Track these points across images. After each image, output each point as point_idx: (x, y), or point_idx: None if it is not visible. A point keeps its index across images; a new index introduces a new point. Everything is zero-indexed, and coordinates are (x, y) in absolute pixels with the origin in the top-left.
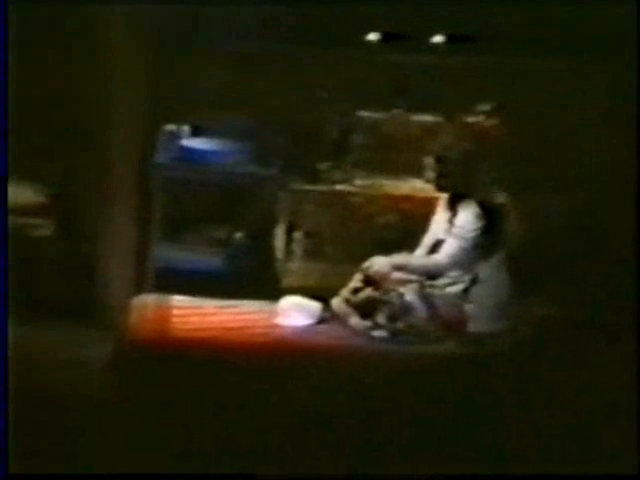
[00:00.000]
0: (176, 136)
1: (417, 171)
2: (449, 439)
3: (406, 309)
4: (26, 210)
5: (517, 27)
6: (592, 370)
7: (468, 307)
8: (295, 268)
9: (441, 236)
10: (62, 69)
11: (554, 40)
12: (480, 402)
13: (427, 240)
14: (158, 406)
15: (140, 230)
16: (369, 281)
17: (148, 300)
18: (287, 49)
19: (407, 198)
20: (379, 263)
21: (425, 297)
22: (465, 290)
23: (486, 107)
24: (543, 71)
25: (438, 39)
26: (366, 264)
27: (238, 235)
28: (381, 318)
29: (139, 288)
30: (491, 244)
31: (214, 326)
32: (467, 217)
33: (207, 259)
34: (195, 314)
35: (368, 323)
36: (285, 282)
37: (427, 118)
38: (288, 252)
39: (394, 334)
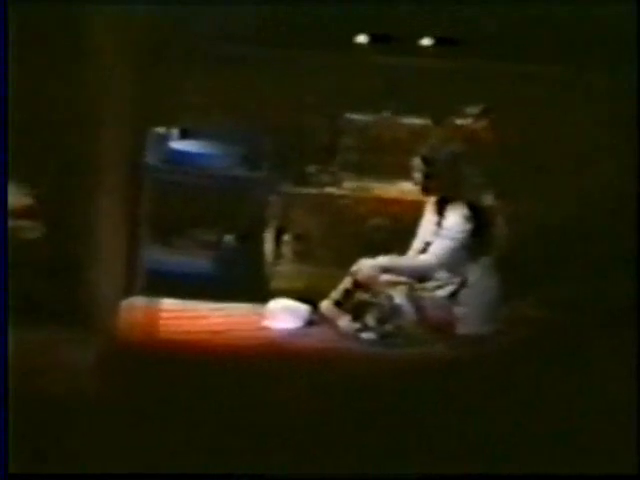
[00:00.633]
0: (165, 139)
1: (406, 174)
2: (439, 440)
3: (395, 312)
4: (14, 212)
5: (505, 30)
6: (586, 370)
7: (457, 309)
8: (284, 271)
9: (429, 239)
10: (50, 71)
11: (543, 43)
12: (469, 404)
13: (416, 244)
14: (147, 408)
15: (129, 233)
16: (358, 284)
17: (137, 302)
18: (276, 52)
19: (396, 201)
20: (367, 266)
21: (414, 300)
22: (454, 293)
23: (474, 110)
24: (531, 74)
25: (427, 42)
26: (354, 267)
27: (227, 238)
28: (370, 320)
29: (128, 291)
30: (479, 246)
31: (203, 328)
32: (455, 219)
33: (196, 262)
34: (184, 317)
35: (357, 325)
36: (274, 285)
37: (416, 121)
38: (277, 255)
39: (383, 336)
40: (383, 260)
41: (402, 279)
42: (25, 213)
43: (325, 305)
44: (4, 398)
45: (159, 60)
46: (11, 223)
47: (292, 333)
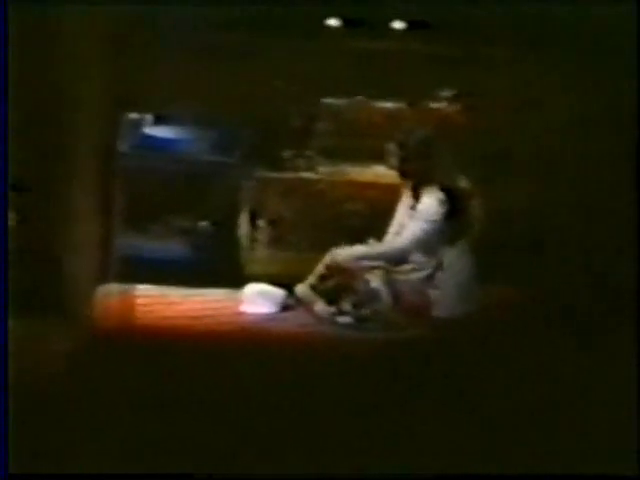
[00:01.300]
0: (139, 124)
1: (381, 157)
2: (417, 423)
3: (371, 296)
4: None
5: (478, 14)
6: (561, 354)
7: (433, 292)
8: (259, 256)
9: (404, 221)
10: (19, 55)
11: (517, 27)
12: (446, 387)
13: (393, 228)
14: (124, 395)
15: (103, 219)
16: (333, 269)
17: (112, 289)
18: (249, 38)
19: (371, 185)
20: (342, 255)
21: (390, 284)
22: (430, 276)
23: (448, 93)
24: (505, 57)
25: (399, 25)
26: (328, 257)
27: (202, 223)
28: (346, 304)
29: (103, 278)
30: (454, 229)
31: (179, 314)
32: (430, 202)
33: (171, 247)
34: (160, 303)
35: (333, 309)
36: (249, 270)
37: (390, 104)
38: (252, 240)
39: (359, 320)
40: (358, 250)
41: (378, 264)
42: None
43: (301, 289)
44: (4, 398)
45: (132, 46)
46: None
47: (268, 318)
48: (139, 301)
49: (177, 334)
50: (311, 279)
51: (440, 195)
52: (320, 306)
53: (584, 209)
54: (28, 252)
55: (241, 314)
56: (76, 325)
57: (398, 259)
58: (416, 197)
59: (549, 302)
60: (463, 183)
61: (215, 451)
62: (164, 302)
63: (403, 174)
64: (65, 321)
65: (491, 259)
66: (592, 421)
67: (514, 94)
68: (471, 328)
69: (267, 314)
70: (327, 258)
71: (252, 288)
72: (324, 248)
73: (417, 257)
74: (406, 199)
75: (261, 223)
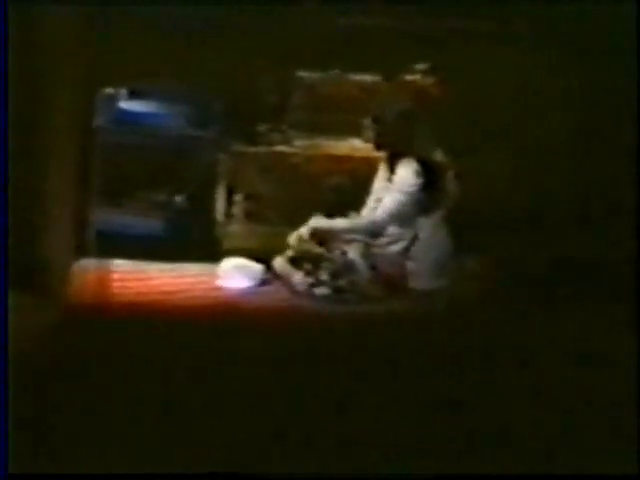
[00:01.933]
0: (114, 99)
1: (357, 131)
2: (393, 398)
3: (348, 267)
4: None
5: None
6: (536, 326)
7: (409, 265)
8: (236, 230)
9: (381, 193)
10: None
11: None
12: (423, 359)
13: (370, 202)
14: (100, 371)
15: (79, 194)
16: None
17: (88, 265)
18: (224, 12)
19: (347, 158)
20: (320, 225)
21: (368, 256)
22: (406, 248)
23: (423, 66)
24: (480, 31)
25: None
26: (305, 227)
27: (178, 198)
28: (323, 275)
29: (79, 253)
30: (430, 201)
31: (155, 290)
32: (406, 173)
33: (147, 222)
34: (136, 278)
35: (310, 280)
36: (226, 244)
37: (366, 78)
38: (228, 214)
39: (336, 291)
40: (337, 223)
41: (355, 237)
42: None
43: (278, 262)
44: (4, 398)
45: (106, 22)
46: None
47: (245, 292)
48: (115, 276)
49: (153, 309)
50: (288, 252)
51: (416, 166)
52: (297, 278)
53: (560, 182)
54: (3, 227)
55: (218, 289)
56: (52, 300)
57: (376, 232)
58: (392, 169)
59: (525, 274)
60: (439, 156)
61: (192, 429)
62: (140, 277)
63: (378, 147)
64: (41, 296)
65: (466, 231)
66: (592, 421)
67: (491, 67)
68: (447, 300)
69: (244, 289)
70: (302, 231)
71: (229, 263)
72: (300, 222)
73: (393, 229)
74: (382, 172)
75: (237, 197)
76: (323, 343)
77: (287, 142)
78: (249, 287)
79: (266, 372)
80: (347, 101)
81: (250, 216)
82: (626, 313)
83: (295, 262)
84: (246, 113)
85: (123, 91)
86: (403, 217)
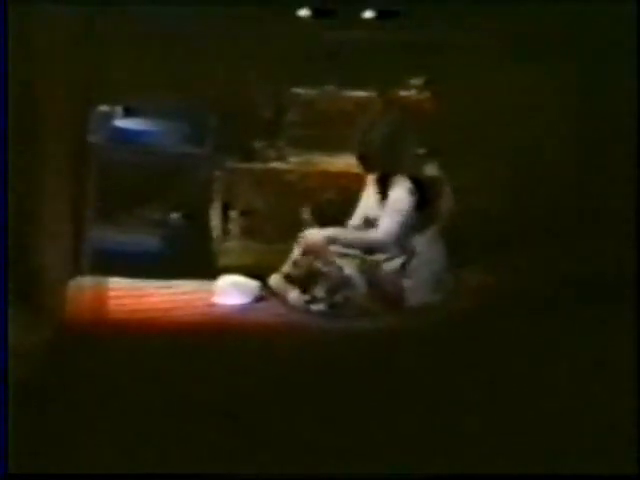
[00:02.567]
0: (109, 117)
1: (352, 147)
2: (391, 413)
3: (345, 283)
4: None
5: (447, 3)
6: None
7: (406, 281)
8: (232, 247)
9: (372, 212)
10: None
11: (486, 14)
12: (420, 374)
13: (355, 219)
14: (98, 389)
15: (75, 212)
16: (306, 253)
17: (85, 282)
18: (218, 27)
19: (343, 174)
20: (314, 234)
21: (364, 272)
22: (402, 265)
23: (418, 81)
24: (474, 45)
25: (369, 14)
26: (301, 236)
27: (174, 215)
28: (319, 291)
29: (75, 271)
30: (425, 217)
31: (152, 307)
32: (400, 193)
33: (143, 240)
34: (132, 295)
35: (306, 297)
36: (222, 261)
37: (360, 93)
38: (224, 231)
39: (332, 307)
40: (332, 231)
41: (351, 251)
42: None
43: (274, 279)
44: (4, 399)
45: (100, 39)
46: None
47: (242, 309)
48: (111, 294)
49: (150, 327)
50: (284, 268)
51: (409, 185)
52: (294, 295)
53: (559, 196)
54: (1, 244)
55: (214, 306)
56: (49, 318)
57: (375, 250)
58: (384, 189)
59: (523, 290)
60: (434, 171)
61: (190, 442)
62: (136, 295)
63: (368, 168)
64: (37, 314)
65: (462, 246)
66: (592, 421)
67: (488, 81)
68: (444, 315)
69: (240, 305)
70: (299, 241)
71: (225, 280)
72: (296, 238)
73: (391, 247)
74: (372, 190)
75: (233, 214)
76: (320, 359)
77: (283, 158)
78: (245, 304)
79: (263, 389)
80: (342, 117)
81: (246, 233)
82: (627, 322)
83: (291, 279)
84: (241, 129)
85: (118, 108)
86: (401, 237)
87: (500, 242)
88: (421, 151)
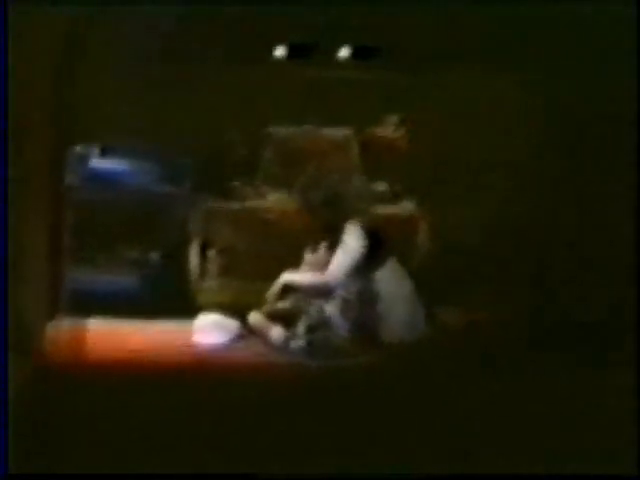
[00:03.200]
0: (85, 157)
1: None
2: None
3: (325, 322)
4: None
5: (422, 41)
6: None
7: (382, 319)
8: (210, 285)
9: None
10: None
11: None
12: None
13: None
14: (77, 431)
15: (53, 253)
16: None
17: (64, 323)
18: (195, 67)
19: None
20: (279, 282)
21: (343, 311)
22: (373, 303)
23: (393, 119)
24: (449, 84)
25: (344, 53)
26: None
27: (152, 254)
28: (300, 328)
29: (54, 312)
30: (379, 257)
31: (130, 347)
32: (348, 238)
33: (122, 280)
34: (111, 336)
35: (287, 333)
36: (201, 300)
37: (337, 132)
38: (203, 270)
39: (311, 345)
40: (287, 276)
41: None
42: None
43: (254, 317)
44: (4, 400)
45: (77, 79)
46: None
47: (221, 348)
48: (91, 334)
49: (129, 367)
50: (264, 306)
51: (359, 230)
52: (274, 332)
53: (531, 232)
54: None
55: (194, 345)
56: (28, 360)
57: (324, 292)
58: (333, 235)
59: (502, 327)
60: (410, 208)
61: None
62: (115, 335)
63: (314, 219)
64: (17, 356)
65: (437, 283)
66: (592, 421)
67: (463, 118)
68: (420, 352)
69: (220, 344)
70: (276, 284)
71: (204, 319)
72: (275, 276)
73: (353, 286)
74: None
75: (211, 253)
76: (299, 397)
77: (260, 197)
78: (225, 342)
79: (243, 427)
80: (319, 155)
81: (224, 271)
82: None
83: (271, 316)
84: (218, 168)
85: (94, 149)
86: (355, 276)
87: (479, 280)
88: (397, 188)
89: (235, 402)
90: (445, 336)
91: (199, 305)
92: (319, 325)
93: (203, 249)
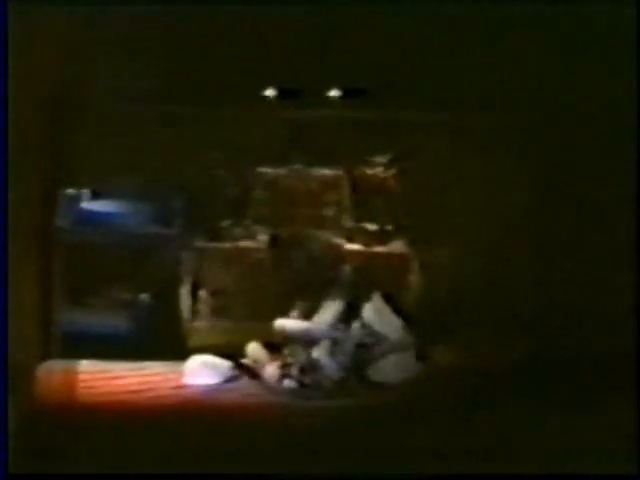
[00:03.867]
0: (76, 199)
1: (319, 224)
2: None
3: (313, 365)
4: None
5: (410, 80)
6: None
7: (372, 360)
8: (201, 327)
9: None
10: None
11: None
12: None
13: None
14: (69, 474)
15: (43, 295)
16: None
17: (54, 366)
18: (183, 108)
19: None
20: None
21: (334, 354)
22: (365, 346)
23: (384, 159)
24: (438, 123)
25: (333, 94)
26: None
27: (143, 296)
28: (294, 369)
29: (44, 355)
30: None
31: (122, 390)
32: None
33: (112, 321)
34: (102, 378)
35: (282, 371)
36: (192, 341)
37: (327, 172)
38: (194, 311)
39: (303, 386)
40: (280, 322)
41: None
42: None
43: (253, 347)
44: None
45: (66, 122)
46: None
47: (213, 390)
48: (81, 377)
49: (121, 410)
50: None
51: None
52: (271, 367)
53: (522, 274)
54: None
55: (185, 387)
56: (18, 403)
57: (315, 338)
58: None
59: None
60: (400, 247)
61: None
62: (106, 377)
63: None
64: (7, 399)
65: (429, 324)
66: (592, 421)
67: (450, 158)
68: (411, 393)
69: (211, 386)
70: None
71: (196, 360)
72: (267, 317)
73: (334, 333)
74: None
75: (202, 294)
76: (292, 439)
77: (251, 237)
78: (216, 384)
79: (234, 469)
80: (309, 195)
81: (216, 312)
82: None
83: (270, 348)
84: (208, 209)
85: (85, 191)
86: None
87: (472, 319)
88: (388, 227)
89: (226, 444)
90: (437, 376)
91: (191, 346)
92: (309, 367)
93: (194, 290)
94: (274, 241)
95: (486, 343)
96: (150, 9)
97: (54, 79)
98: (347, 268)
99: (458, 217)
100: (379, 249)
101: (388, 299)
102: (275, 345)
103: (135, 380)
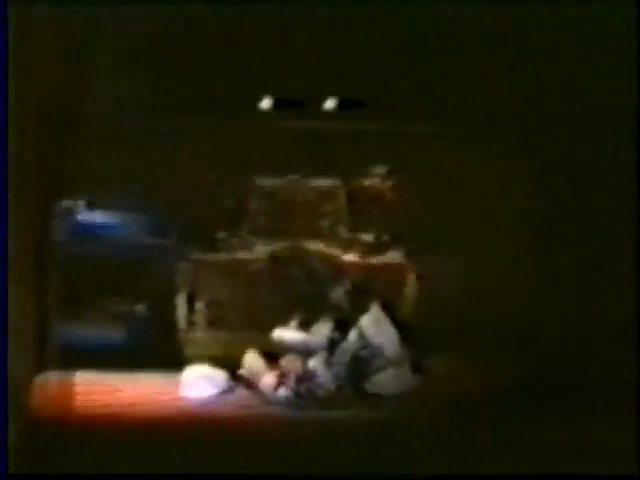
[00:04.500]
0: (72, 211)
1: (316, 235)
2: None
3: (309, 375)
4: None
5: (407, 92)
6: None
7: (368, 371)
8: (198, 338)
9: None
10: None
11: (445, 104)
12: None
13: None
14: None
15: (40, 307)
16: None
17: (51, 378)
18: (181, 120)
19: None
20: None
21: (328, 365)
22: (360, 357)
23: (380, 170)
24: (434, 134)
25: (330, 104)
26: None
27: (139, 307)
28: (290, 380)
29: (42, 366)
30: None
31: (118, 401)
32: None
33: (109, 333)
34: (99, 390)
35: (279, 380)
36: (188, 352)
37: (323, 182)
38: (190, 322)
39: (298, 395)
40: (279, 332)
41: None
42: None
43: (251, 356)
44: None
45: (62, 133)
46: None
47: (209, 400)
48: (78, 388)
49: (117, 420)
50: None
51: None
52: (267, 378)
53: (520, 285)
54: None
55: (182, 398)
56: (16, 414)
57: (310, 351)
58: None
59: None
60: (397, 257)
61: None
62: (103, 389)
63: None
64: (5, 411)
65: (426, 334)
66: (592, 421)
67: (447, 169)
68: (409, 404)
69: (208, 397)
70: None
71: (192, 371)
72: (263, 327)
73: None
74: None
75: (198, 305)
76: (288, 449)
77: (247, 248)
78: (213, 395)
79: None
80: (305, 206)
81: (212, 323)
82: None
83: (269, 356)
84: (205, 220)
85: (81, 203)
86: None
87: (468, 330)
88: (384, 238)
89: (222, 454)
90: (432, 387)
91: (187, 357)
92: (305, 377)
93: (190, 301)
94: (271, 252)
95: (484, 355)
96: (149, 32)
97: (54, 79)
98: (344, 279)
99: (455, 228)
100: (376, 260)
101: (385, 309)
102: (272, 355)
103: (132, 391)
